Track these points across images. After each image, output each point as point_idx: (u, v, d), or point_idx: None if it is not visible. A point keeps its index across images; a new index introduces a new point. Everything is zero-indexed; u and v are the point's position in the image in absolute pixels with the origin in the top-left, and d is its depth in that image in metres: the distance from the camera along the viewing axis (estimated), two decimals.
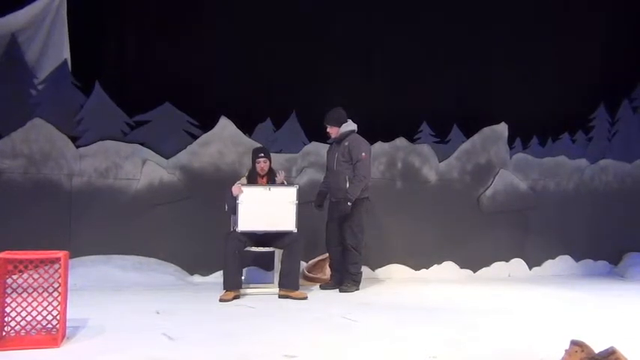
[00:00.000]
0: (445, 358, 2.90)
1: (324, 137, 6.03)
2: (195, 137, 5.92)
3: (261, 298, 4.72)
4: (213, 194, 5.34)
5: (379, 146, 6.30)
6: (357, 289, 5.21)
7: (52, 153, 5.40)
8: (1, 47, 5.41)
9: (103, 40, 5.88)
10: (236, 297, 4.61)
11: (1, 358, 2.78)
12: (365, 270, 5.64)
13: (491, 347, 3.14)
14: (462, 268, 6.54)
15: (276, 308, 4.27)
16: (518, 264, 6.78)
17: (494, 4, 6.93)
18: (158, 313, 3.94)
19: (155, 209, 5.66)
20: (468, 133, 6.81)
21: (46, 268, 3.12)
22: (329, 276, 5.57)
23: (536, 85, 7.08)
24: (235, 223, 4.82)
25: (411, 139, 6.66)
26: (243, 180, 5.04)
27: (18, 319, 3.10)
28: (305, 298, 4.70)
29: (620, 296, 5.30)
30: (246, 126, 6.06)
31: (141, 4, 5.98)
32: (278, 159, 5.84)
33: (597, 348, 2.49)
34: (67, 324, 3.17)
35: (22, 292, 3.09)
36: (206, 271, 5.69)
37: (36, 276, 3.09)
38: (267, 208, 4.78)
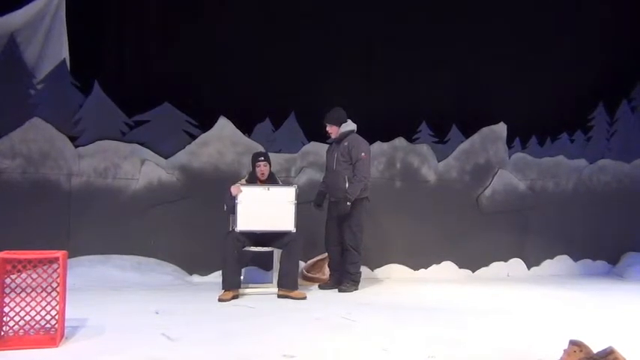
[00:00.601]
0: (444, 358, 2.91)
1: (323, 137, 6.03)
2: (194, 137, 5.92)
3: (260, 297, 4.72)
4: (212, 194, 5.34)
5: (378, 146, 6.30)
6: (356, 289, 5.21)
7: (50, 153, 5.40)
8: None
9: (102, 39, 5.87)
10: (235, 297, 4.61)
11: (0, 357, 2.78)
12: (364, 270, 5.65)
13: (489, 347, 3.15)
14: (460, 268, 6.54)
15: (275, 308, 4.27)
16: (517, 264, 6.78)
17: (493, 4, 6.93)
18: (157, 313, 3.94)
19: (154, 209, 5.66)
20: (467, 133, 6.81)
21: (45, 267, 3.11)
22: (328, 276, 5.58)
23: (535, 85, 7.08)
24: (234, 223, 4.82)
25: (410, 139, 6.66)
26: (243, 182, 5.03)
27: (17, 318, 3.10)
28: (304, 297, 4.70)
29: (619, 296, 5.31)
30: (245, 126, 6.07)
31: (140, 3, 5.98)
32: (277, 159, 5.85)
33: (596, 348, 2.49)
34: (66, 324, 3.17)
35: (20, 292, 3.09)
36: (205, 271, 5.69)
37: (34, 276, 3.09)
38: (266, 208, 4.78)
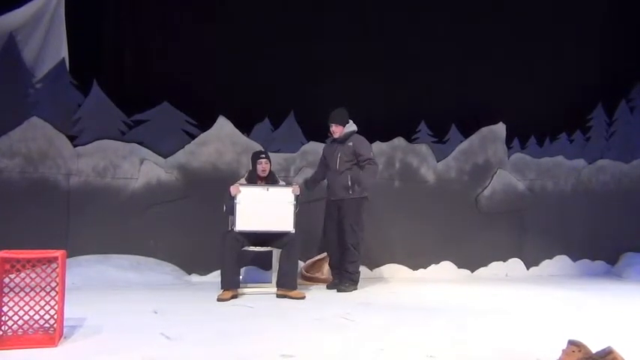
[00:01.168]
0: (443, 358, 2.91)
1: (322, 137, 6.04)
2: (193, 137, 5.93)
3: (259, 297, 4.71)
4: (211, 194, 5.34)
5: (377, 146, 6.30)
6: (356, 289, 5.20)
7: (49, 152, 5.39)
8: None
9: (102, 39, 5.88)
10: (234, 296, 4.61)
11: None
12: (363, 270, 5.65)
13: (488, 347, 3.15)
14: (459, 268, 6.54)
15: (273, 308, 4.27)
16: (515, 264, 6.79)
17: (492, 4, 6.94)
18: (156, 312, 3.93)
19: (153, 209, 5.66)
20: (466, 133, 6.82)
21: (44, 267, 3.11)
22: (327, 276, 5.58)
23: (535, 85, 7.10)
24: (233, 223, 4.81)
25: (409, 139, 6.67)
26: (243, 181, 5.03)
27: (15, 318, 3.09)
28: (303, 297, 4.70)
29: (618, 296, 5.31)
30: (245, 125, 6.07)
31: (139, 3, 5.97)
32: (276, 158, 5.84)
33: (595, 348, 2.49)
34: (65, 323, 3.16)
35: (19, 292, 3.08)
36: (204, 270, 5.68)
37: (33, 275, 3.08)
38: (265, 207, 4.77)
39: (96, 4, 5.79)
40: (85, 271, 5.12)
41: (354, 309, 4.23)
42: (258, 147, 5.72)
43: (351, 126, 5.26)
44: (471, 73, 6.86)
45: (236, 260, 4.73)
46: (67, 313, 3.20)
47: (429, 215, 6.42)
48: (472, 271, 6.59)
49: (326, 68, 6.30)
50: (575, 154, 7.29)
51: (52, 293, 3.10)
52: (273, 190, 4.87)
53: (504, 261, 6.75)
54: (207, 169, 5.85)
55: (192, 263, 5.69)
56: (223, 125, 5.91)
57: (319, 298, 4.79)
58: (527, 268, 6.83)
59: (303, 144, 6.26)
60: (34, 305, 3.11)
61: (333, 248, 5.32)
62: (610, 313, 4.40)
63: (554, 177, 7.09)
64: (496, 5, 6.95)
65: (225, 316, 3.88)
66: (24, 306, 3.10)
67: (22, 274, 3.05)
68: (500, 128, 6.85)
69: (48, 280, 3.10)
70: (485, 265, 6.66)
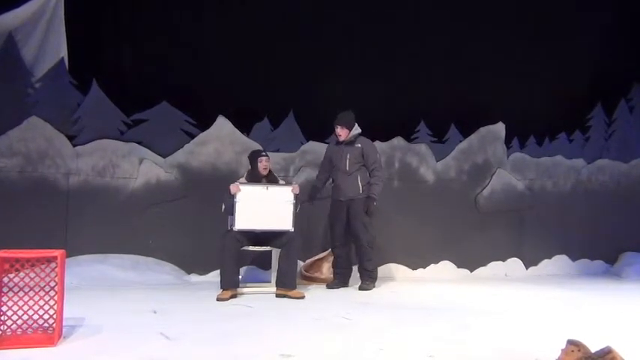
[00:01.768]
0: (442, 358, 2.91)
1: (321, 136, 6.05)
2: (192, 136, 5.92)
3: (259, 297, 4.71)
4: (211, 193, 5.33)
5: (377, 146, 6.28)
6: (374, 287, 5.27)
7: (48, 152, 5.39)
8: None
9: (101, 38, 5.87)
10: (233, 296, 4.61)
11: None
12: None
13: (488, 346, 3.15)
14: (459, 267, 6.54)
15: (273, 307, 4.27)
16: (514, 263, 6.79)
17: (491, 4, 6.94)
18: (155, 312, 3.93)
19: (152, 208, 5.65)
20: (466, 133, 6.82)
21: (43, 267, 3.11)
22: (326, 275, 5.59)
23: (534, 85, 7.09)
24: (232, 223, 4.81)
25: (409, 139, 6.67)
26: (243, 180, 5.03)
27: (14, 318, 3.09)
28: (302, 297, 4.70)
29: (617, 296, 5.32)
30: (244, 125, 6.06)
31: (139, 2, 5.97)
32: (275, 158, 5.84)
33: (594, 347, 2.49)
34: (64, 323, 3.16)
35: (18, 291, 3.08)
36: (203, 270, 5.68)
37: (32, 275, 3.08)
38: (264, 207, 4.77)
39: (95, 3, 5.78)
40: (85, 271, 5.12)
41: (354, 309, 4.24)
42: (257, 146, 5.72)
43: (357, 128, 5.32)
44: (470, 73, 6.85)
45: (235, 260, 4.73)
46: (66, 312, 3.20)
47: (429, 215, 6.42)
48: (471, 271, 6.60)
49: (325, 68, 6.29)
50: (575, 154, 7.30)
51: (51, 293, 3.10)
52: (273, 189, 4.87)
53: (504, 261, 6.75)
54: (206, 168, 5.85)
55: (192, 263, 5.69)
56: (223, 125, 5.91)
57: (319, 297, 4.79)
58: (527, 268, 6.84)
59: (303, 144, 6.25)
60: (33, 305, 3.11)
61: (340, 248, 5.33)
62: (609, 312, 4.41)
63: (554, 177, 7.09)
64: (495, 5, 6.95)
65: (224, 316, 3.88)
66: (23, 306, 3.10)
67: (22, 274, 3.05)
68: (500, 128, 6.86)
69: (47, 279, 3.10)
70: (484, 264, 6.66)
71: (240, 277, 4.92)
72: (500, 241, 6.72)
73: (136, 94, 5.78)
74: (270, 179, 5.06)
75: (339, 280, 5.36)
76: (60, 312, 3.04)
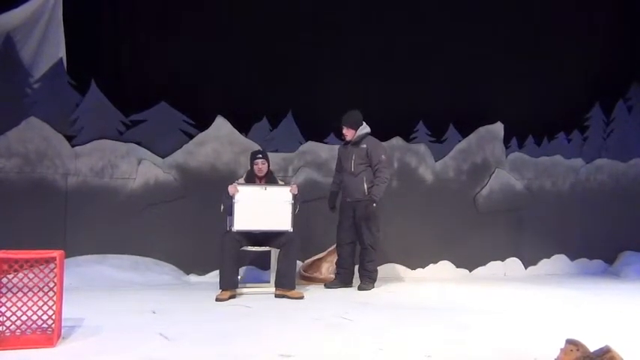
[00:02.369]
0: (441, 357, 2.91)
1: (321, 136, 6.05)
2: (191, 136, 5.92)
3: (258, 297, 4.71)
4: (210, 193, 5.33)
5: None
6: (374, 287, 5.27)
7: (47, 152, 5.39)
8: None
9: (99, 38, 5.87)
10: (232, 296, 4.61)
11: None
12: None
13: (487, 346, 3.15)
14: (457, 267, 6.55)
15: (272, 308, 4.27)
16: (513, 263, 6.79)
17: (491, 4, 6.95)
18: (154, 312, 3.93)
19: (151, 209, 5.65)
20: (464, 133, 6.83)
21: (42, 267, 3.10)
22: (325, 275, 5.59)
23: (532, 85, 7.11)
24: (231, 223, 4.81)
25: (407, 139, 6.67)
26: (241, 181, 5.03)
27: (13, 318, 3.09)
28: (301, 297, 4.70)
29: (616, 295, 5.32)
30: (243, 125, 6.07)
31: (137, 2, 5.97)
32: (274, 158, 5.84)
33: (593, 347, 2.50)
34: (63, 323, 3.16)
35: (17, 292, 3.08)
36: (202, 270, 5.68)
37: (31, 275, 3.07)
38: (263, 207, 4.77)
39: (93, 3, 5.78)
40: (83, 271, 5.12)
41: (353, 309, 4.24)
42: (256, 147, 5.72)
43: (365, 128, 5.30)
44: (469, 73, 6.86)
45: (235, 260, 4.72)
46: (65, 313, 3.20)
47: (427, 215, 6.42)
48: (470, 271, 6.60)
49: (324, 68, 6.30)
50: (573, 154, 7.30)
51: (50, 293, 3.10)
52: (271, 190, 4.87)
53: (502, 260, 6.76)
54: (205, 169, 5.85)
55: (191, 263, 5.68)
56: (221, 125, 5.91)
57: (318, 297, 4.79)
58: (526, 268, 6.84)
59: (302, 144, 6.25)
60: (32, 305, 3.11)
61: (344, 247, 5.34)
62: (608, 312, 4.41)
63: (552, 176, 7.10)
64: (495, 5, 6.95)
65: (223, 316, 3.88)
66: (22, 306, 3.09)
67: (20, 275, 3.05)
68: (498, 128, 6.86)
69: (46, 280, 3.10)
70: (483, 264, 6.66)
71: (239, 277, 4.92)
72: (499, 241, 6.73)
73: (135, 95, 5.79)
74: (270, 180, 5.06)
75: (340, 279, 5.36)
76: (59, 312, 3.03)
